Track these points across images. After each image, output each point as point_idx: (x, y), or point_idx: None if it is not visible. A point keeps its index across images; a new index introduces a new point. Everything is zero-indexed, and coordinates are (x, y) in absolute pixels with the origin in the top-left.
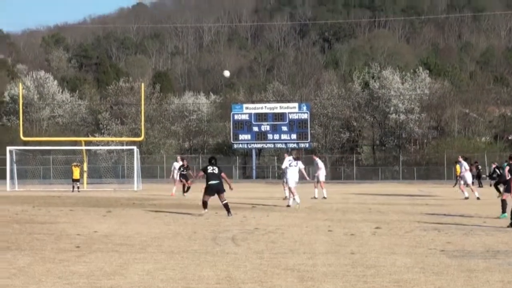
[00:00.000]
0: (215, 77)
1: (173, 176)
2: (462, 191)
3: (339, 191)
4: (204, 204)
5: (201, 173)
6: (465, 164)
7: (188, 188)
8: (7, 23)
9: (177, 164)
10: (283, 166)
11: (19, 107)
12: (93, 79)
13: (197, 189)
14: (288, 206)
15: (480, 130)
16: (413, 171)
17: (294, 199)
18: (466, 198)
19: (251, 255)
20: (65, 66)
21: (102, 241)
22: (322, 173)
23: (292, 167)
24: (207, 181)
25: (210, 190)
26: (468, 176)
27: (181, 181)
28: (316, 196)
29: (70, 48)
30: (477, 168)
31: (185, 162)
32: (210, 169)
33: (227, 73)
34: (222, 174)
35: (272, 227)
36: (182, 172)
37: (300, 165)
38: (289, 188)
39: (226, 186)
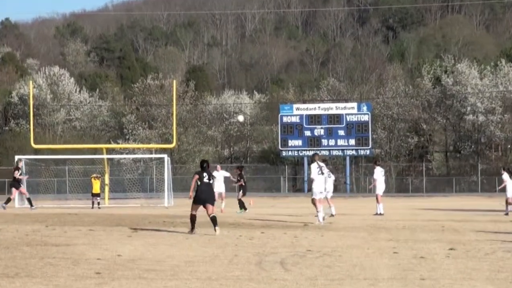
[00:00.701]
0: (259, 73)
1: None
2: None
3: (406, 205)
4: (192, 221)
5: (196, 177)
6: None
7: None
8: (15, 10)
9: (217, 174)
10: (312, 176)
11: (29, 109)
12: (116, 76)
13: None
14: (317, 222)
15: None
16: (494, 182)
17: (317, 215)
18: None
19: (303, 282)
20: (83, 61)
21: (126, 267)
22: (378, 185)
23: (320, 176)
24: (198, 190)
25: (199, 201)
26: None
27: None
28: (381, 212)
29: (88, 40)
30: None
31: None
32: (205, 176)
33: (241, 118)
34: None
35: (327, 249)
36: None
37: (325, 171)
38: (312, 200)
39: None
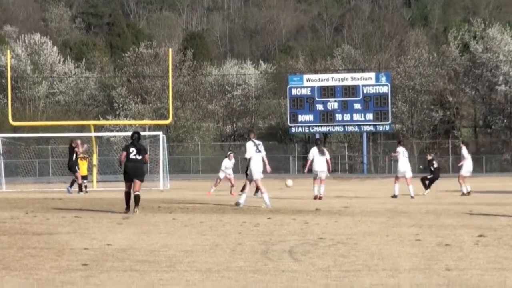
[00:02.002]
0: (265, 40)
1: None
2: None
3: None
4: (126, 199)
5: (124, 154)
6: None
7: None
8: None
9: (228, 163)
10: (249, 155)
11: (6, 82)
12: (105, 44)
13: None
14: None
15: None
16: None
17: (262, 196)
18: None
19: (315, 273)
20: (68, 28)
21: (117, 257)
22: (400, 165)
23: (258, 154)
24: (125, 166)
25: (127, 177)
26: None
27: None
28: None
29: (73, 4)
30: None
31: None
32: (132, 152)
33: (290, 183)
34: (146, 156)
35: (341, 236)
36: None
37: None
38: (250, 182)
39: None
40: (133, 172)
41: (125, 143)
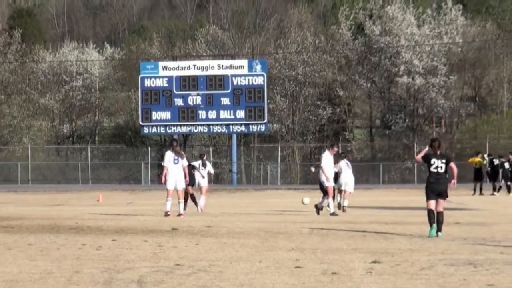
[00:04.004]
0: (112, 19)
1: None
2: None
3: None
4: None
5: None
6: None
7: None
8: None
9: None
10: (167, 164)
11: None
12: None
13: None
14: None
15: None
16: None
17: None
18: None
19: None
20: None
21: None
22: (343, 177)
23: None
24: None
25: None
26: None
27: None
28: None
29: None
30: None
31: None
32: None
33: (306, 201)
34: None
35: (203, 263)
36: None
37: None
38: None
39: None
40: None
41: None
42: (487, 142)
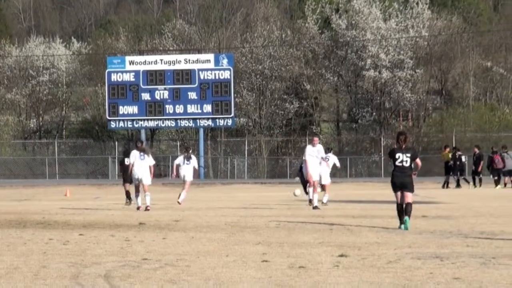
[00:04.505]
0: (79, 13)
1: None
2: None
3: (282, 195)
4: None
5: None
6: None
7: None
8: None
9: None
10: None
11: None
12: None
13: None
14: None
15: (510, 95)
16: None
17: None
18: None
19: None
20: None
21: None
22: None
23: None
24: None
25: None
26: None
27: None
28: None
29: None
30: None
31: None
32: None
33: (298, 192)
34: None
35: (170, 257)
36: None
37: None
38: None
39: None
40: None
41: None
42: (453, 135)
